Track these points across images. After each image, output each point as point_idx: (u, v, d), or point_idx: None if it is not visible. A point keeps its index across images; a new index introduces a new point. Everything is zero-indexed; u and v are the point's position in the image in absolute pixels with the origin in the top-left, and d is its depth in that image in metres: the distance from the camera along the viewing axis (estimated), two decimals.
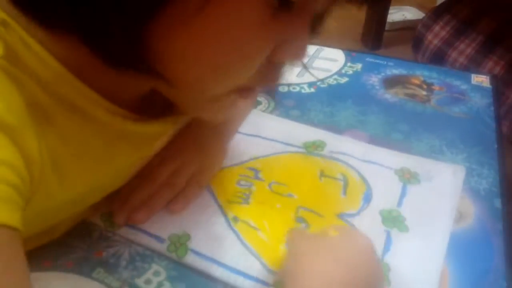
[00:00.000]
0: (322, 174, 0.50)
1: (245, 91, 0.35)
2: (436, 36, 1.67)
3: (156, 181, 0.46)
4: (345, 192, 0.48)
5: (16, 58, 0.28)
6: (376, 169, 0.51)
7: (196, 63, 0.30)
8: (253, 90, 0.36)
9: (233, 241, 0.42)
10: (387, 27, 2.16)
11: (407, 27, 2.21)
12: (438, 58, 1.62)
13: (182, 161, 0.48)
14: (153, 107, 0.40)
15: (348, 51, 0.81)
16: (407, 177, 0.49)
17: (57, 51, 0.30)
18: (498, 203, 0.48)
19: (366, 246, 0.36)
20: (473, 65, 1.47)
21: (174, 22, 0.27)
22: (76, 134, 0.34)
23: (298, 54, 0.33)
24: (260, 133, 0.57)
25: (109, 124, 0.36)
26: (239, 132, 0.57)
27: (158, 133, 0.43)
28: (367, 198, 0.47)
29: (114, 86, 0.34)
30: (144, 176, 0.46)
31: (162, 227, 0.43)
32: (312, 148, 0.54)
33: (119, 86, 0.35)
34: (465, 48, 1.53)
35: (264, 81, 0.34)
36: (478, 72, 0.76)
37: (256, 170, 0.51)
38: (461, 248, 0.42)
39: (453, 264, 0.41)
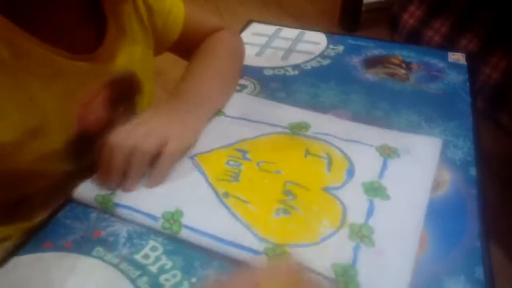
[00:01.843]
0: (308, 152, 0.52)
1: None
2: (411, 15, 1.68)
3: (125, 147, 0.46)
4: (329, 169, 0.50)
5: None
6: (358, 147, 0.53)
7: None
8: None
9: (225, 214, 0.44)
10: (363, 8, 2.18)
11: (383, 7, 2.23)
12: (414, 37, 1.64)
13: (150, 126, 0.48)
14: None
15: (330, 34, 0.82)
16: (388, 153, 0.52)
17: None
18: (473, 171, 0.50)
19: None
20: (448, 44, 1.49)
21: None
22: (12, 72, 0.40)
23: None
24: (247, 116, 0.58)
25: (42, 60, 0.43)
26: (227, 116, 0.58)
27: (91, 73, 0.48)
28: (350, 173, 0.49)
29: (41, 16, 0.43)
30: (114, 142, 0.46)
31: (155, 206, 0.45)
32: (297, 129, 0.56)
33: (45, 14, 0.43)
34: (440, 27, 1.55)
35: None
36: (454, 50, 0.78)
37: (244, 152, 0.52)
38: (439, 213, 0.45)
39: (431, 227, 0.44)
